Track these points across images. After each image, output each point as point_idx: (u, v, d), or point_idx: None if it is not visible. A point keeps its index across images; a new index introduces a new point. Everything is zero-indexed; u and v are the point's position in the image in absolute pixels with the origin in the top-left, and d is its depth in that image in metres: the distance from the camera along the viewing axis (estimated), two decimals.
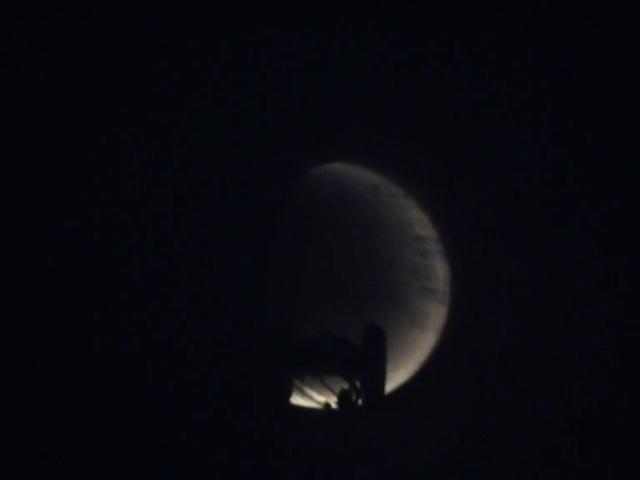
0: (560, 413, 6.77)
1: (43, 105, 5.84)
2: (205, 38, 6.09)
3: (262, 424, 6.46)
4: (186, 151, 6.16)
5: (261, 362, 7.19)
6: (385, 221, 10.44)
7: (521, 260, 7.61)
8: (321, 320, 10.46)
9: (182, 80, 6.09)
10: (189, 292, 6.22)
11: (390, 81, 6.70)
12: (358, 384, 8.78)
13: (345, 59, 6.46)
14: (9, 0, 5.73)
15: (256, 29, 6.15)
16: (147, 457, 5.78)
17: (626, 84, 6.44)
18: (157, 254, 6.08)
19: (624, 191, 6.72)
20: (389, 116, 7.21)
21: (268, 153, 6.53)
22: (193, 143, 6.16)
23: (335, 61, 6.45)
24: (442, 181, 8.29)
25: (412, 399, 8.75)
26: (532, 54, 6.52)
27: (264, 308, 7.10)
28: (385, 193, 9.67)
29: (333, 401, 8.70)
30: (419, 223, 9.45)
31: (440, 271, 9.30)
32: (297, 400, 9.11)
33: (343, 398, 8.63)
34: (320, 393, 9.26)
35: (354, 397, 8.68)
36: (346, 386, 8.79)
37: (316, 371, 8.93)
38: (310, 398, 9.41)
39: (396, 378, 9.24)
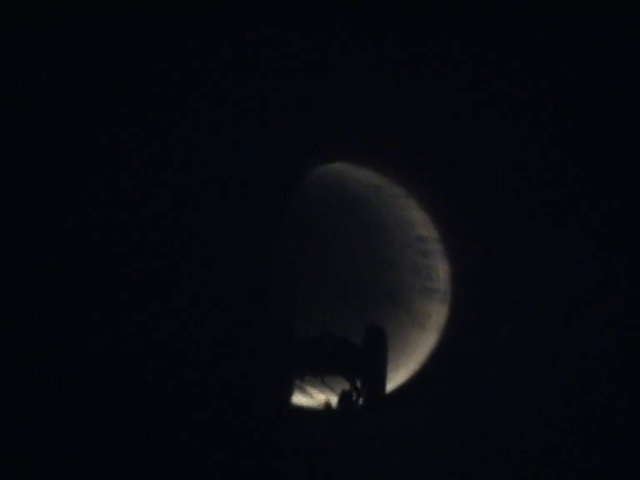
0: (560, 413, 6.77)
1: (43, 105, 5.85)
2: (205, 38, 6.09)
3: (262, 424, 6.45)
4: (186, 151, 6.16)
5: (261, 362, 7.19)
6: (386, 221, 10.44)
7: (522, 260, 7.60)
8: (322, 320, 10.45)
9: (182, 80, 6.09)
10: (189, 292, 6.22)
11: (390, 81, 6.69)
12: (359, 384, 8.78)
13: (345, 59, 6.46)
14: (9, 0, 5.74)
15: (256, 29, 6.15)
16: (147, 457, 5.77)
17: (626, 84, 6.44)
18: (157, 254, 6.08)
19: (624, 191, 6.72)
20: (389, 116, 7.20)
21: (268, 153, 6.53)
22: (193, 143, 6.16)
23: (335, 61, 6.45)
24: (443, 181, 8.28)
25: (413, 399, 8.74)
26: (532, 54, 6.52)
27: (265, 308, 7.10)
28: (386, 193, 9.67)
29: (334, 400, 8.70)
30: (420, 223, 9.45)
31: (441, 271, 9.29)
32: (298, 399, 9.11)
33: (344, 397, 8.64)
34: (321, 392, 9.26)
35: (355, 397, 8.69)
36: (347, 386, 8.79)
37: (317, 371, 8.93)
38: (311, 397, 9.41)
39: (397, 378, 9.23)
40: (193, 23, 6.04)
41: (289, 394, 8.80)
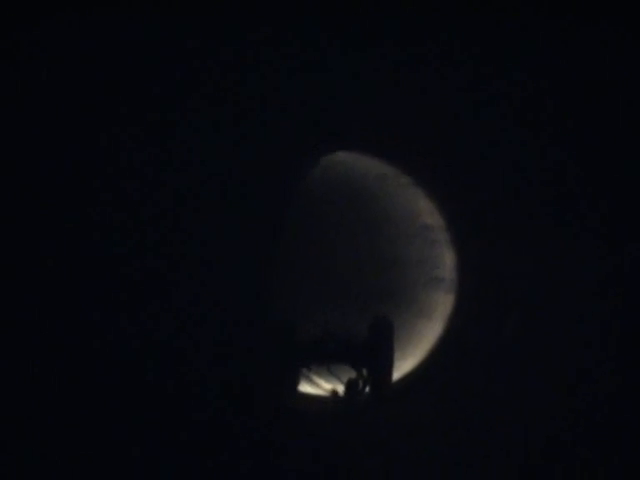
0: (565, 403, 6.76)
1: (43, 105, 5.85)
2: (205, 38, 6.08)
3: (263, 424, 6.45)
4: (186, 151, 6.16)
5: (263, 362, 7.19)
6: (392, 214, 10.42)
7: (528, 250, 7.59)
8: (324, 320, 10.44)
9: (182, 80, 6.09)
10: (189, 292, 6.22)
11: (390, 81, 6.69)
12: (365, 372, 8.81)
13: (345, 59, 6.45)
14: (9, 0, 5.74)
15: (256, 29, 6.15)
16: (147, 457, 5.78)
17: (626, 84, 6.42)
18: (157, 254, 6.08)
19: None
20: (390, 113, 7.19)
21: (268, 153, 6.53)
22: (193, 143, 6.16)
23: (335, 61, 6.44)
24: (450, 169, 8.26)
25: (419, 388, 8.76)
26: (532, 54, 6.50)
27: (266, 308, 7.10)
28: (393, 183, 9.65)
29: (340, 389, 8.73)
30: (427, 212, 9.44)
31: (448, 259, 9.30)
32: (305, 388, 9.13)
33: (350, 386, 8.67)
34: (327, 381, 9.28)
35: (361, 385, 8.72)
36: (353, 374, 8.82)
37: (322, 364, 8.97)
38: (318, 386, 9.42)
39: (403, 367, 9.25)
40: (193, 23, 6.03)
41: (292, 393, 8.80)
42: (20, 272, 5.75)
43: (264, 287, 7.00)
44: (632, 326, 6.66)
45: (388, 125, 7.36)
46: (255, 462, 6.08)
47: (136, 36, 5.96)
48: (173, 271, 6.17)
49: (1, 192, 5.75)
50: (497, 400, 7.31)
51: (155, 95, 6.05)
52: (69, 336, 5.79)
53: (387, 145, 8.26)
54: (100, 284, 5.91)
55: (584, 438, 6.41)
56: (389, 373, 8.83)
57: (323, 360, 8.91)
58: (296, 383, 8.94)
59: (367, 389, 8.73)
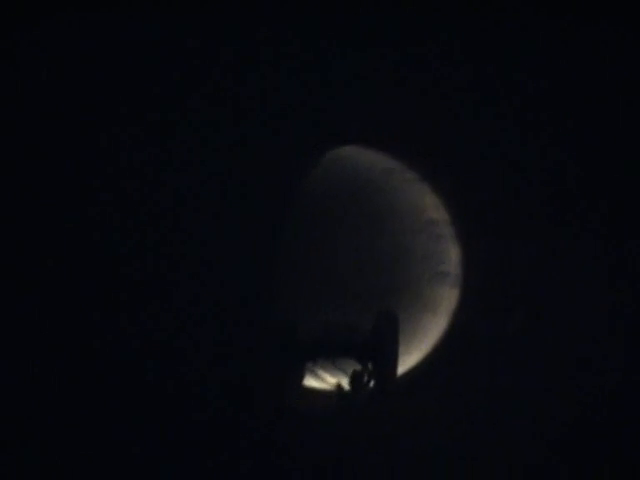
0: (572, 397, 6.75)
1: (43, 105, 5.85)
2: (205, 38, 6.08)
3: (263, 424, 6.45)
4: (186, 151, 6.16)
5: (264, 362, 7.19)
6: (397, 208, 10.40)
7: (534, 244, 7.58)
8: (325, 320, 10.44)
9: (182, 80, 6.09)
10: (189, 292, 6.22)
11: (390, 81, 6.68)
12: (370, 366, 8.81)
13: (345, 59, 6.45)
14: (9, 0, 5.74)
15: (256, 29, 6.14)
16: (147, 457, 5.78)
17: (626, 84, 6.41)
18: (157, 254, 6.08)
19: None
20: (391, 111, 7.18)
21: (268, 153, 6.53)
22: (193, 143, 6.16)
23: (335, 61, 6.43)
24: (456, 163, 8.24)
25: (423, 382, 8.76)
26: (532, 54, 6.49)
27: (268, 308, 7.10)
28: (398, 178, 9.64)
29: (345, 383, 8.73)
30: (432, 207, 9.43)
31: (453, 254, 9.29)
32: (310, 382, 9.13)
33: (355, 379, 8.67)
34: (332, 375, 9.29)
35: (366, 378, 8.72)
36: (358, 368, 8.83)
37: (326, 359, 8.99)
38: (323, 380, 9.42)
39: (408, 362, 9.25)
40: (193, 23, 6.03)
41: (297, 389, 8.80)
42: (20, 272, 5.75)
43: (265, 287, 6.99)
44: (638, 319, 6.66)
45: (389, 125, 7.35)
46: (255, 462, 6.08)
47: (136, 36, 5.96)
48: (173, 271, 6.17)
49: (1, 192, 5.75)
50: (502, 395, 7.30)
51: (155, 95, 6.05)
52: (69, 336, 5.79)
53: (391, 143, 8.25)
54: (100, 284, 5.91)
55: (590, 432, 6.40)
56: (394, 367, 8.83)
57: (328, 355, 8.91)
58: (300, 381, 8.94)
59: (372, 383, 8.74)
